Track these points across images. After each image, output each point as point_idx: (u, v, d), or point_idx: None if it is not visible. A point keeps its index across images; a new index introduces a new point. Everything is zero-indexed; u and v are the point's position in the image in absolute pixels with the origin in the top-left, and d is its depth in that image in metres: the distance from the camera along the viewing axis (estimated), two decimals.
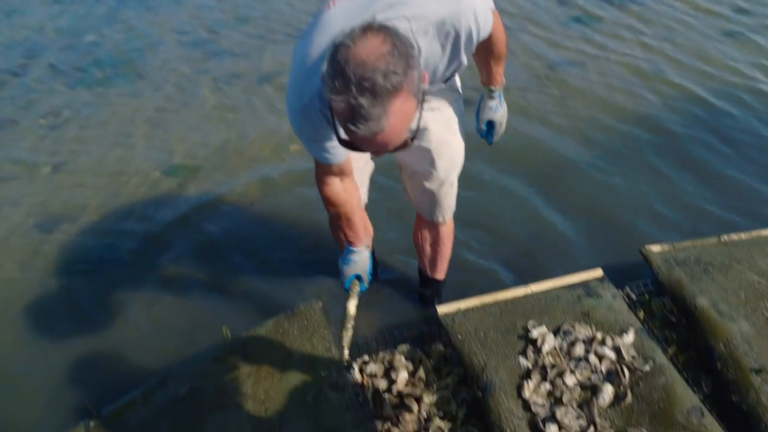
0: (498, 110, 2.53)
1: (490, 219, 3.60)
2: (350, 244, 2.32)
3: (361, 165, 2.52)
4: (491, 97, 2.49)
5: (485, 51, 2.24)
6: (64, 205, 3.96)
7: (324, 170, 2.13)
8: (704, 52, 5.16)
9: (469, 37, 1.91)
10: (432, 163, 2.46)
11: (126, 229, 3.72)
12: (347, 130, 1.55)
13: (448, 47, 1.92)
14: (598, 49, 5.30)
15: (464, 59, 1.99)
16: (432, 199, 2.62)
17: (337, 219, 2.28)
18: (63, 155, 4.44)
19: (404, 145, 1.67)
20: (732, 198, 3.70)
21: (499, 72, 2.40)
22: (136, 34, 6.10)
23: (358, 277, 2.38)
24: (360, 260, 2.34)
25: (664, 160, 4.03)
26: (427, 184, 2.55)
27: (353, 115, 1.47)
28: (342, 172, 2.15)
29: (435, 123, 2.36)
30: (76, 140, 4.59)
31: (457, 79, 2.41)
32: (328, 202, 2.22)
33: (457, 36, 1.89)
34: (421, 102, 1.60)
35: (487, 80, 2.44)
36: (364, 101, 1.44)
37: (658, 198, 3.72)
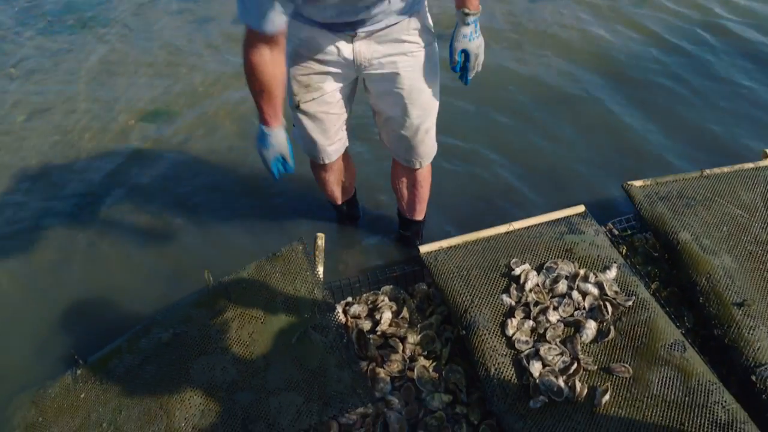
0: (473, 39, 2.27)
1: (471, 159, 3.57)
2: (266, 122, 2.19)
3: (336, 111, 2.47)
4: (465, 23, 2.23)
5: None
6: (40, 152, 3.90)
7: (255, 36, 2.00)
8: None
9: None
10: (404, 109, 2.41)
11: (103, 176, 3.67)
12: None
13: None
14: None
15: None
16: (407, 146, 2.57)
17: (258, 94, 2.14)
18: (34, 104, 4.35)
19: None
20: (715, 133, 3.68)
21: None
22: None
23: (282, 159, 2.27)
24: (278, 142, 2.23)
25: (645, 95, 4.00)
26: (401, 131, 2.50)
27: None
28: (274, 42, 2.02)
29: (407, 68, 2.31)
30: (45, 90, 4.50)
31: (429, 19, 2.32)
32: (253, 72, 2.07)
33: None
34: None
35: (461, 1, 2.23)
36: None
37: (641, 133, 3.70)
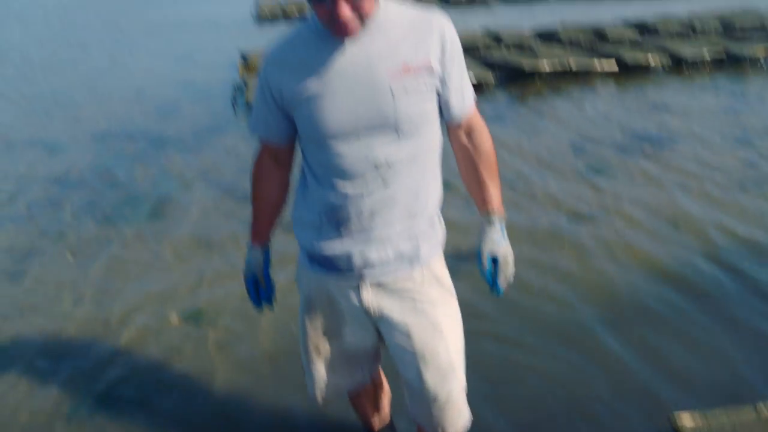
0: (501, 243, 2.09)
1: (509, 383, 3.42)
2: (251, 237, 2.31)
3: (358, 358, 2.36)
4: (491, 223, 2.09)
5: (471, 160, 2.09)
6: (81, 341, 3.91)
7: (262, 148, 2.18)
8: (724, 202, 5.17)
9: (443, 44, 1.89)
10: (418, 373, 2.14)
11: (140, 372, 3.63)
12: None
13: (420, 34, 1.88)
14: (614, 199, 5.33)
15: (434, 65, 1.89)
16: (427, 413, 2.25)
17: (252, 206, 2.29)
18: (89, 291, 4.47)
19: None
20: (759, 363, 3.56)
21: (496, 193, 2.10)
22: (170, 174, 6.38)
23: (256, 281, 2.32)
24: (255, 260, 2.31)
25: (689, 319, 3.90)
26: (418, 396, 2.22)
27: None
28: (277, 158, 2.17)
29: (417, 325, 2.09)
30: (97, 277, 4.64)
31: (445, 269, 2.18)
32: (251, 180, 2.24)
33: (429, 30, 1.88)
34: None
35: (482, 203, 2.11)
36: None
37: (685, 359, 3.57)
